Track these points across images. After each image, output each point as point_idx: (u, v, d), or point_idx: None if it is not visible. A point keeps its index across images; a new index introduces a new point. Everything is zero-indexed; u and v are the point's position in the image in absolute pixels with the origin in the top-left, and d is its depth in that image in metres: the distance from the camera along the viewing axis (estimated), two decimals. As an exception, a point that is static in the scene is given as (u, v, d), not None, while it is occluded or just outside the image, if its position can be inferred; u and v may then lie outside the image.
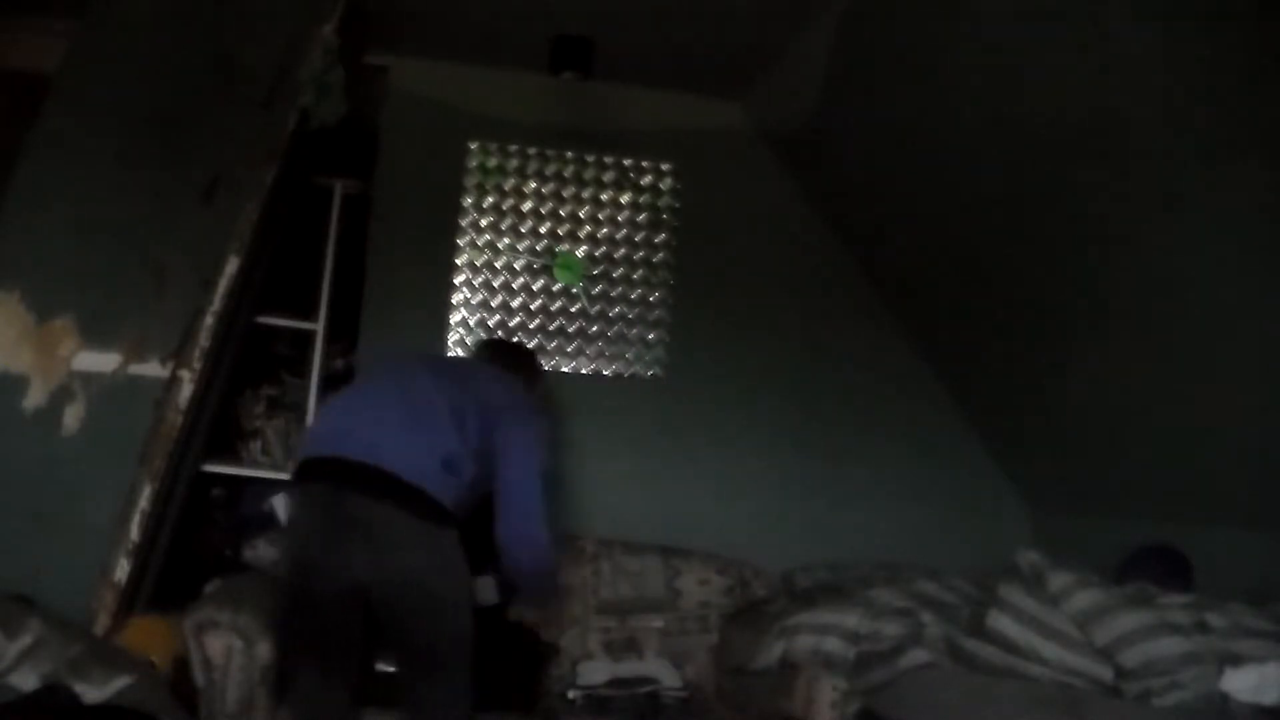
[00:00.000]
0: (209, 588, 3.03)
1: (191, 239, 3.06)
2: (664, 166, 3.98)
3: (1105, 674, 2.41)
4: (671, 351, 3.93)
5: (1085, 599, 2.53)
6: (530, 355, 3.22)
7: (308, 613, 2.49)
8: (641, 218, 3.96)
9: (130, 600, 2.93)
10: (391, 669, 2.73)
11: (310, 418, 3.64)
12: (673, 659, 3.39)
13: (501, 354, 3.04)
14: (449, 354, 3.79)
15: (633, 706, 3.07)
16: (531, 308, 3.87)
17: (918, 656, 2.57)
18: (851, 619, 2.74)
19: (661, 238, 3.96)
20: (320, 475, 2.46)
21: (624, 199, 3.95)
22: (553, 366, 3.84)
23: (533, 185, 3.90)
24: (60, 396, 2.95)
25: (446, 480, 2.45)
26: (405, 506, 2.39)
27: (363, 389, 2.73)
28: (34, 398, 2.94)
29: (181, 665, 2.72)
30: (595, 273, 3.91)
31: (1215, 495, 2.95)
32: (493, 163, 3.89)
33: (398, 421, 2.50)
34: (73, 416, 2.95)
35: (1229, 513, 2.91)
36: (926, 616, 2.70)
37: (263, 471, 3.67)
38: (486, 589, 3.05)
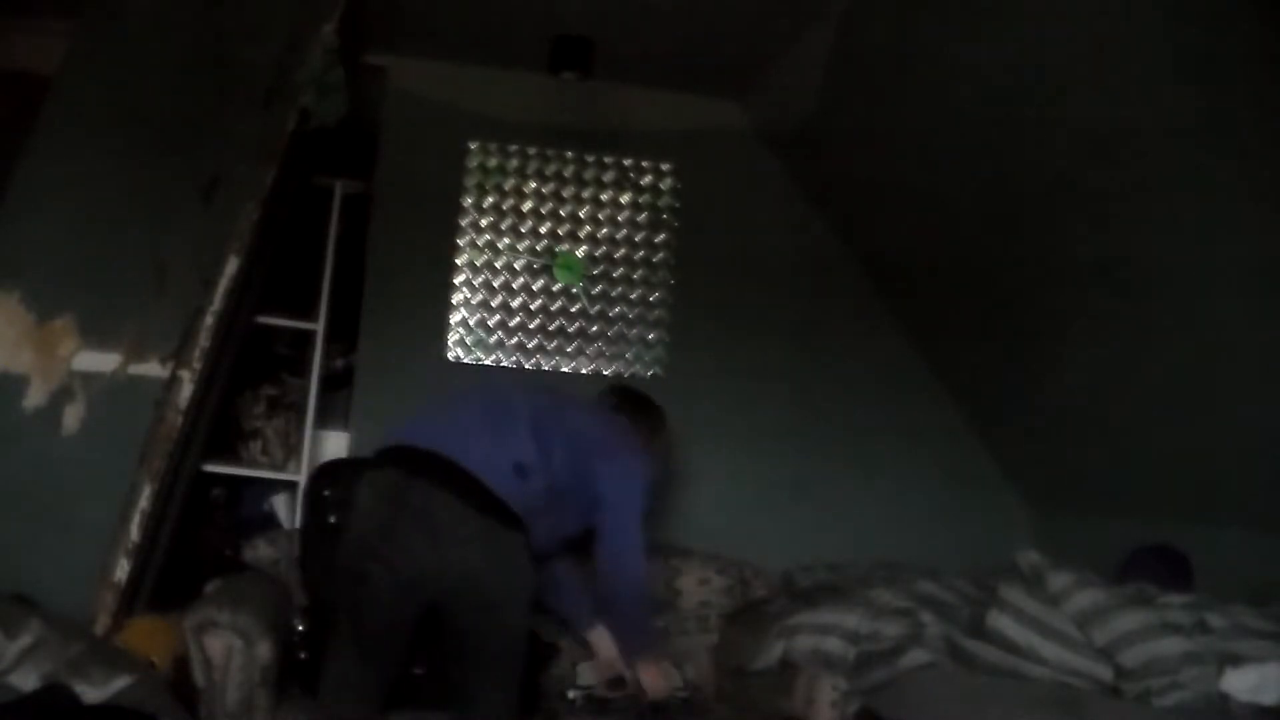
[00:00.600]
0: (209, 588, 3.03)
1: (191, 239, 3.06)
2: (664, 166, 3.98)
3: (1105, 674, 2.41)
4: (671, 351, 3.93)
5: (1085, 599, 2.53)
6: (656, 410, 3.12)
7: (359, 603, 2.47)
8: (641, 218, 3.96)
9: (130, 600, 2.93)
10: (419, 671, 2.72)
11: (310, 418, 3.65)
12: (673, 659, 3.38)
13: (626, 399, 3.04)
14: (458, 354, 3.79)
15: (633, 706, 3.07)
16: (531, 308, 3.87)
17: (918, 656, 2.57)
18: (851, 619, 2.74)
19: (661, 238, 3.96)
20: (393, 462, 2.48)
21: (624, 199, 3.95)
22: (553, 366, 3.85)
23: (533, 185, 3.90)
24: (60, 396, 2.95)
25: (516, 484, 2.46)
26: (467, 499, 2.39)
27: (451, 396, 2.79)
28: (34, 398, 2.94)
29: (181, 665, 2.72)
30: (595, 273, 3.91)
31: (1215, 495, 2.95)
32: (493, 163, 3.89)
33: (475, 422, 2.56)
34: (73, 416, 2.95)
35: (1229, 513, 2.91)
36: (926, 616, 2.70)
37: (263, 471, 3.68)
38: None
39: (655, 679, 2.86)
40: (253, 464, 3.69)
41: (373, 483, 2.49)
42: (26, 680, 2.41)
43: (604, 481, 2.65)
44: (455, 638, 2.48)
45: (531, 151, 3.91)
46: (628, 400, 3.05)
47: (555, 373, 3.83)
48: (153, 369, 3.00)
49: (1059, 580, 2.60)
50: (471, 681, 2.48)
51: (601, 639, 3.02)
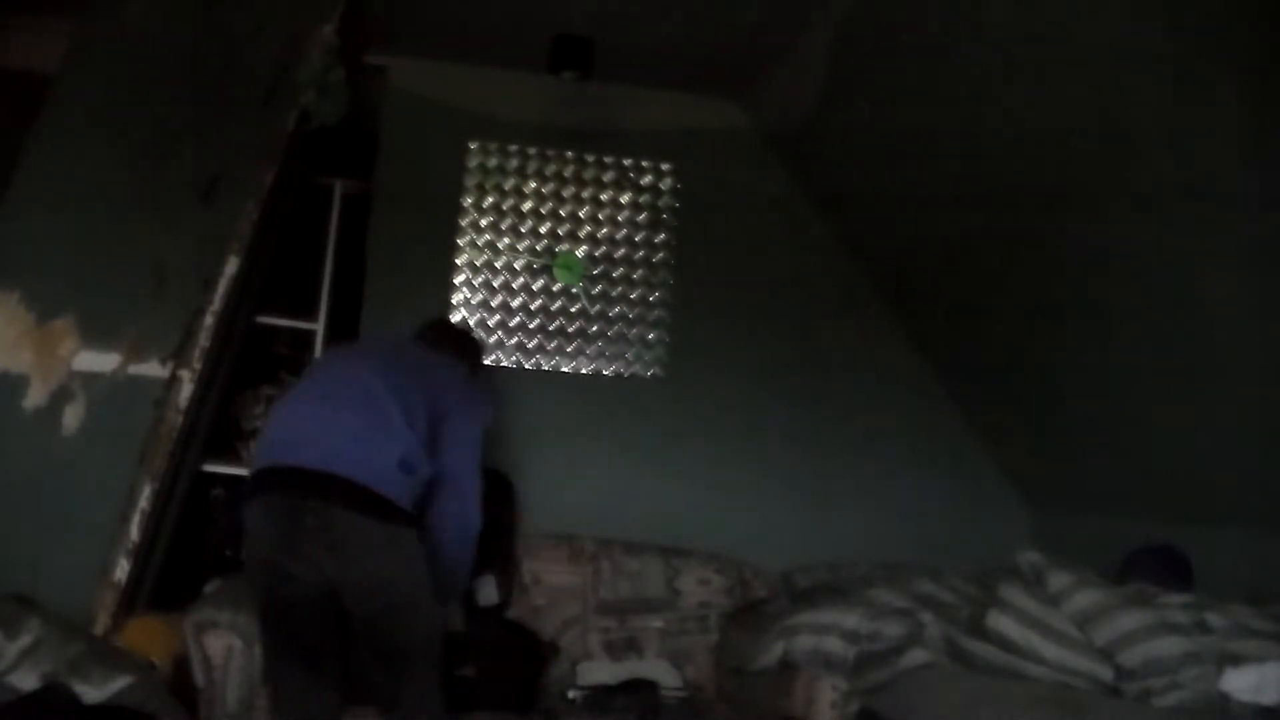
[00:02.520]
0: (209, 588, 3.04)
1: (191, 239, 3.06)
2: (664, 166, 3.98)
3: (1105, 674, 2.41)
4: (671, 351, 3.93)
5: (1085, 599, 2.53)
6: (475, 341, 3.17)
7: (285, 618, 2.46)
8: (641, 218, 3.96)
9: (130, 600, 2.93)
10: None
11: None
12: (673, 659, 3.39)
13: (450, 339, 2.99)
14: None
15: (633, 706, 3.07)
16: (531, 308, 3.87)
17: (918, 656, 2.57)
18: (851, 619, 2.74)
19: (661, 238, 3.96)
20: (279, 485, 2.43)
21: (624, 199, 3.95)
22: (553, 366, 3.85)
23: (533, 185, 3.90)
24: (60, 396, 2.95)
25: (404, 481, 2.44)
26: (366, 512, 2.37)
27: (313, 392, 2.64)
28: (34, 398, 2.94)
29: (181, 665, 2.73)
30: (595, 273, 3.91)
31: (1215, 495, 2.95)
32: (493, 163, 3.89)
33: (351, 426, 2.47)
34: (73, 416, 2.95)
35: (1229, 513, 2.91)
36: (926, 616, 2.70)
37: (263, 471, 3.67)
38: (487, 589, 3.06)
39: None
40: (253, 464, 3.68)
41: (265, 508, 2.43)
42: (26, 680, 2.42)
43: (450, 427, 2.61)
44: (375, 642, 2.47)
45: (531, 151, 3.91)
46: (448, 336, 3.00)
47: (555, 373, 3.84)
48: (153, 369, 3.00)
49: (1059, 580, 2.60)
50: (397, 681, 2.48)
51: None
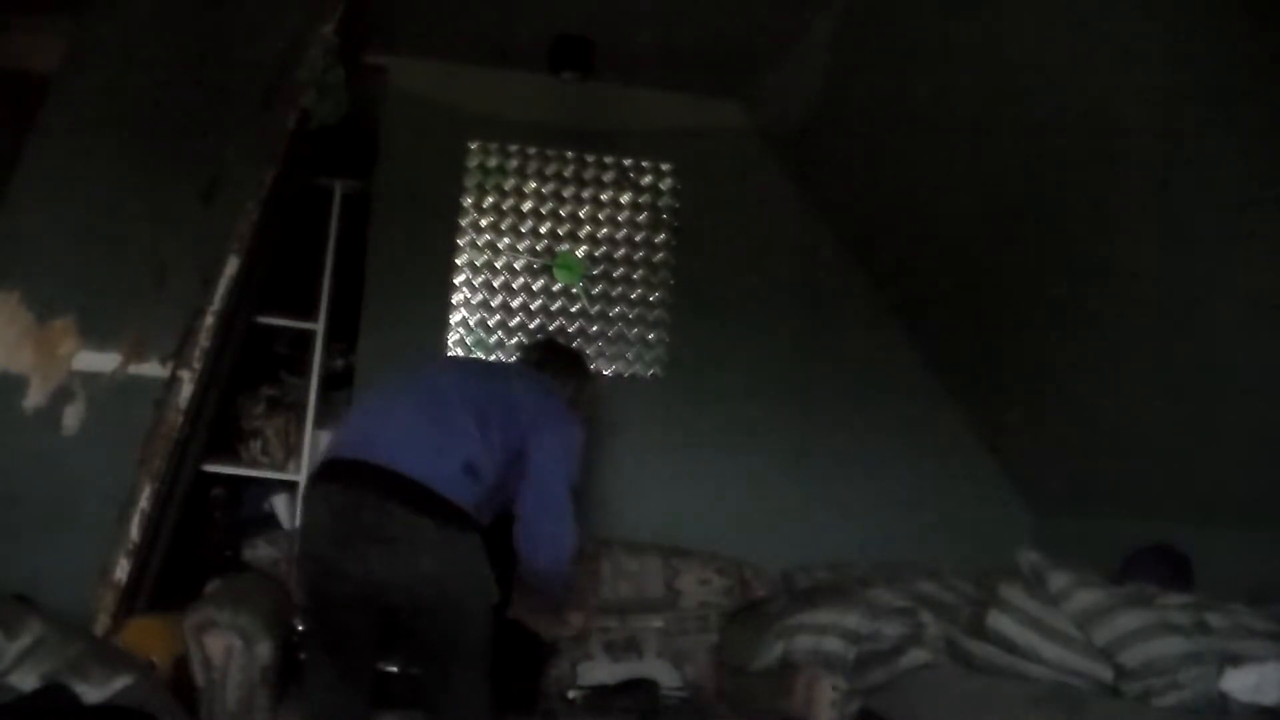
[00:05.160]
0: (209, 588, 3.03)
1: (191, 239, 3.06)
2: (664, 166, 3.98)
3: (1105, 674, 2.41)
4: (671, 351, 3.93)
5: (1085, 599, 2.53)
6: (579, 358, 3.10)
7: (324, 613, 2.47)
8: (641, 218, 3.96)
9: (130, 600, 2.93)
10: (394, 669, 2.73)
11: (310, 418, 3.65)
12: (673, 659, 3.39)
13: (551, 358, 2.96)
14: (456, 354, 3.80)
15: (633, 707, 3.07)
16: (531, 308, 3.87)
17: (918, 656, 2.57)
18: (851, 619, 2.74)
19: (661, 238, 3.96)
20: (338, 478, 2.43)
21: (624, 199, 3.95)
22: (553, 366, 3.85)
23: (533, 185, 3.90)
24: (60, 396, 2.95)
25: (467, 485, 2.43)
26: (424, 512, 2.36)
27: (387, 392, 2.68)
28: (34, 398, 2.94)
29: (181, 665, 2.73)
30: (595, 273, 3.91)
31: (1215, 495, 2.95)
32: (493, 163, 3.89)
33: (419, 425, 2.48)
34: (73, 416, 2.95)
35: (1229, 513, 2.91)
36: (926, 616, 2.70)
37: (263, 471, 3.68)
38: None
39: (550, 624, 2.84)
40: (253, 464, 3.69)
41: (325, 499, 2.43)
42: (26, 680, 2.41)
43: (535, 447, 2.57)
44: (424, 641, 2.47)
45: (531, 151, 3.91)
46: (551, 355, 2.97)
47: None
48: (153, 369, 3.00)
49: (1059, 580, 2.60)
50: (443, 685, 2.48)
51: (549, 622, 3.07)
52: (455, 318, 3.82)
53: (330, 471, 2.46)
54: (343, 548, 2.37)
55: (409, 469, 2.38)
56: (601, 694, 3.13)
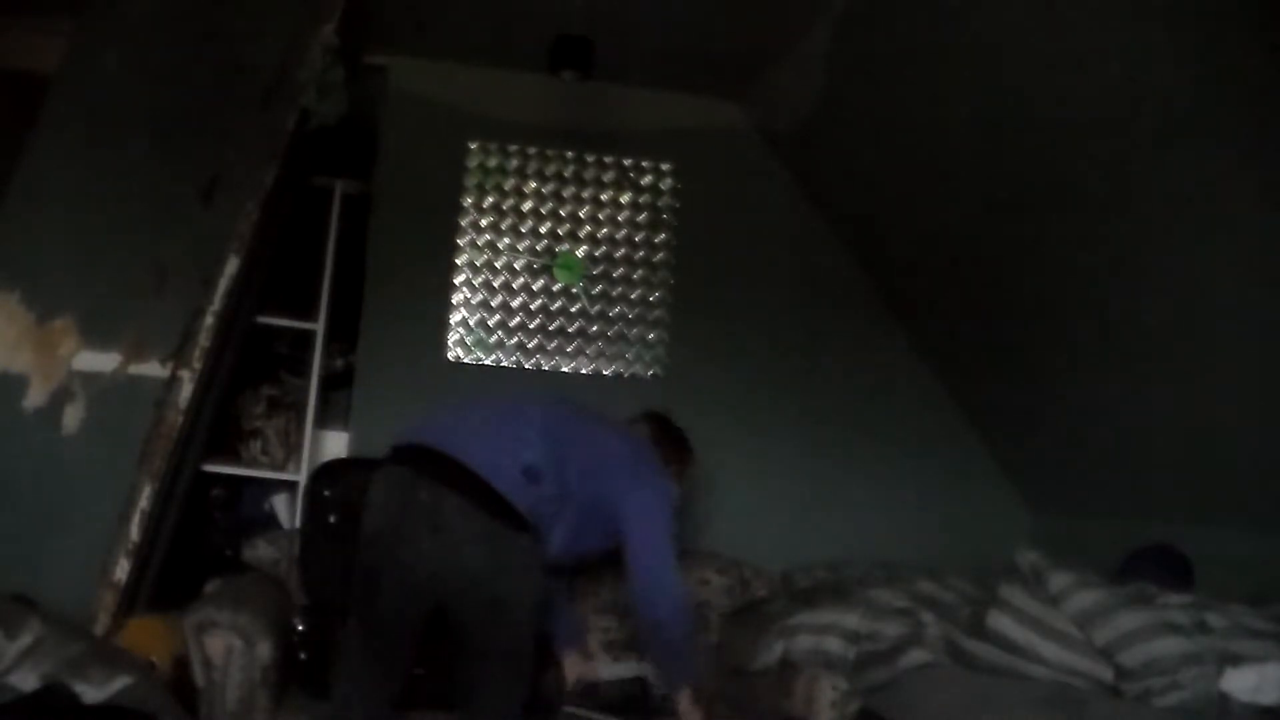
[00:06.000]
0: (209, 588, 3.03)
1: (191, 239, 3.06)
2: (664, 166, 3.98)
3: (1105, 674, 2.41)
4: (671, 351, 3.93)
5: (1085, 599, 2.53)
6: (686, 441, 3.10)
7: (373, 595, 2.48)
8: (641, 218, 3.96)
9: (130, 600, 2.93)
10: (422, 671, 2.73)
11: (310, 417, 3.65)
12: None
13: (657, 423, 3.04)
14: (458, 354, 3.80)
15: (634, 708, 3.07)
16: (531, 308, 3.87)
17: (918, 656, 2.57)
18: (851, 619, 2.74)
19: (661, 238, 3.96)
20: (404, 459, 2.50)
21: (624, 199, 3.95)
22: (553, 366, 3.85)
23: (533, 185, 3.90)
24: (60, 396, 2.95)
25: (524, 487, 2.45)
26: (477, 502, 2.40)
27: (466, 400, 2.81)
28: (34, 398, 2.94)
29: (181, 665, 2.73)
30: (595, 273, 3.91)
31: (1215, 495, 2.95)
32: (493, 163, 3.89)
33: (488, 426, 2.57)
34: (73, 416, 2.95)
35: (1229, 513, 2.91)
36: (926, 616, 2.70)
37: (263, 471, 3.68)
38: None
39: (692, 713, 2.71)
40: (253, 464, 3.69)
41: (385, 479, 2.50)
42: (26, 680, 2.41)
43: (630, 501, 2.63)
44: (463, 638, 2.48)
45: (531, 151, 3.91)
46: (658, 425, 3.04)
47: (555, 373, 3.83)
48: (153, 369, 3.00)
49: (1059, 580, 2.60)
50: (479, 682, 2.49)
51: (572, 664, 3.09)
52: (455, 318, 3.82)
53: (397, 454, 2.53)
54: (398, 532, 2.40)
55: (470, 460, 2.43)
56: (592, 689, 3.13)
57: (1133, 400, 3.13)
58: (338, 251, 3.75)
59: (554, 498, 2.52)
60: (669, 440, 3.01)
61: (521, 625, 2.48)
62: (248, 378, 3.69)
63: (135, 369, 3.00)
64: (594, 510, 2.62)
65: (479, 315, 3.83)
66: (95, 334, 2.99)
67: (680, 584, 2.68)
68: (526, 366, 3.83)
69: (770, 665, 2.85)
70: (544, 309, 3.88)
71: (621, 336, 3.91)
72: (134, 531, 2.89)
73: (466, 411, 2.67)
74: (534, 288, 3.88)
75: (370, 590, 2.47)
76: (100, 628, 2.80)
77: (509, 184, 3.88)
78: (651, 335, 3.93)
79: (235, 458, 3.67)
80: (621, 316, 3.91)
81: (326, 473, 3.24)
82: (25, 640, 2.47)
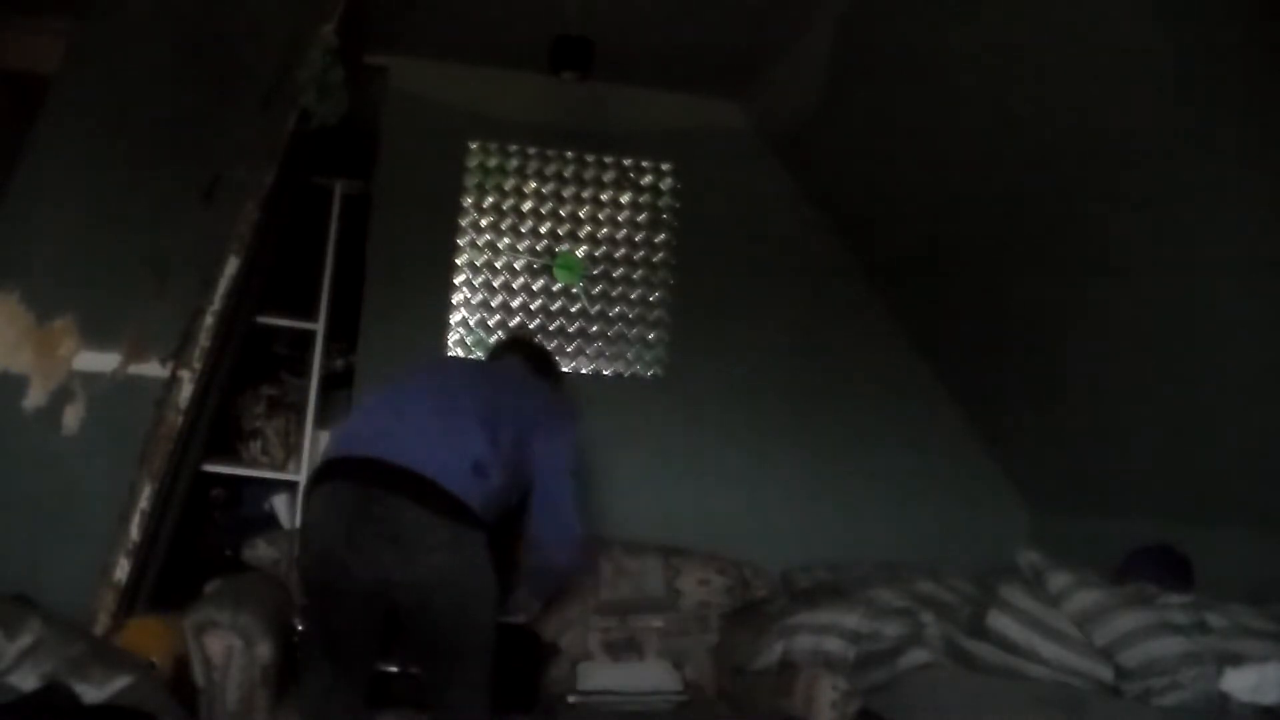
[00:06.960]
0: (209, 588, 3.03)
1: (191, 239, 3.06)
2: (664, 166, 3.98)
3: (1105, 674, 2.42)
4: (671, 351, 3.93)
5: (1085, 599, 2.53)
6: (552, 357, 3.22)
7: (327, 612, 2.47)
8: (641, 218, 3.96)
9: (130, 600, 2.93)
10: (394, 669, 2.74)
11: (310, 418, 3.65)
12: (673, 659, 3.38)
13: (531, 357, 3.04)
14: (457, 354, 3.81)
15: (634, 709, 3.07)
16: (531, 308, 3.87)
17: (918, 656, 2.57)
18: (851, 619, 2.74)
19: (661, 238, 3.96)
20: (349, 475, 2.43)
21: (624, 199, 3.95)
22: (553, 366, 3.85)
23: (533, 185, 3.91)
24: (60, 396, 2.95)
25: (475, 484, 2.44)
26: (434, 508, 2.37)
27: (397, 391, 2.70)
28: (34, 398, 2.94)
29: (181, 665, 2.72)
30: (595, 273, 3.91)
31: (1215, 495, 2.95)
32: (493, 163, 3.89)
33: (429, 425, 2.51)
34: (73, 416, 2.95)
35: (1229, 513, 2.91)
36: (926, 616, 2.70)
37: (263, 471, 3.68)
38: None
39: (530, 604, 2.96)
40: (253, 464, 3.69)
41: (330, 496, 2.43)
42: (26, 680, 2.41)
43: (541, 451, 2.67)
44: (428, 640, 2.47)
45: (531, 151, 3.91)
46: (529, 355, 3.05)
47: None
48: (153, 369, 3.00)
49: (1059, 580, 2.60)
50: (452, 681, 2.48)
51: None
52: (455, 318, 3.82)
53: (339, 468, 2.46)
54: (352, 546, 2.36)
55: (420, 466, 2.40)
56: (601, 698, 3.11)
57: (1133, 400, 3.13)
58: (338, 251, 3.75)
59: (501, 488, 2.52)
60: (546, 365, 3.06)
61: (484, 623, 2.48)
62: (248, 378, 3.69)
63: (135, 369, 2.99)
64: (518, 470, 2.62)
65: (479, 315, 3.83)
66: (95, 334, 2.99)
67: (578, 525, 2.76)
68: (526, 366, 3.83)
69: (770, 665, 2.85)
70: (544, 309, 3.88)
71: (621, 336, 3.91)
72: (134, 531, 2.88)
73: (401, 413, 2.56)
74: (534, 288, 3.88)
75: (326, 605, 2.46)
76: (100, 628, 2.80)
77: (509, 184, 3.89)
78: (651, 335, 3.93)
79: (235, 458, 3.67)
80: (621, 316, 3.92)
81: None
82: (25, 640, 2.47)
